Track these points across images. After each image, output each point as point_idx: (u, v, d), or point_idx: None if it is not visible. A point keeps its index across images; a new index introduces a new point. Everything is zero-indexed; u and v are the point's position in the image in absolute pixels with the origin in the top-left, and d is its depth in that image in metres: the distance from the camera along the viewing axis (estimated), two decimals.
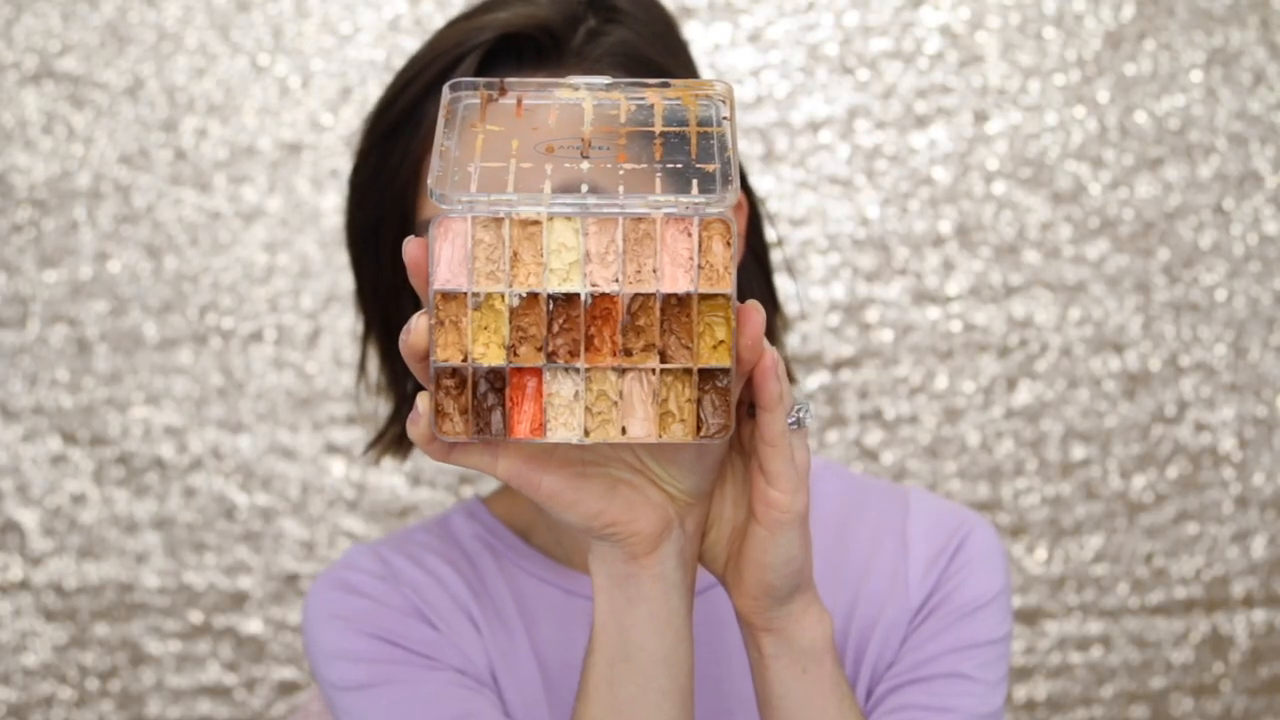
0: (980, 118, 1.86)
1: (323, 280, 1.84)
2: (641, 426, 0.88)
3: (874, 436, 1.86)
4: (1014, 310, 1.86)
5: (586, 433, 0.88)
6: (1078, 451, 1.86)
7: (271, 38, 1.85)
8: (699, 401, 0.88)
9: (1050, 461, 1.86)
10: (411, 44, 1.82)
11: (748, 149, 1.85)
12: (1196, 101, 1.87)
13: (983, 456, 1.86)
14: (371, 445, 1.33)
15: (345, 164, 1.83)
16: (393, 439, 1.32)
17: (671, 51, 1.22)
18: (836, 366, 1.86)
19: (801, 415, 0.95)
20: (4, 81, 1.84)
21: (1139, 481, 1.87)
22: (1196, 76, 1.87)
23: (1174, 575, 1.87)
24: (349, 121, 1.83)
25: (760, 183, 1.85)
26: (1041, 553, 1.86)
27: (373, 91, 1.83)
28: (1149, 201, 1.87)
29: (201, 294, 1.83)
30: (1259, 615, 1.88)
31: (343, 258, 1.81)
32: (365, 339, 1.31)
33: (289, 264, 1.84)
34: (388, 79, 1.81)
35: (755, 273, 1.28)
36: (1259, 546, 1.88)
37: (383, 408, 1.34)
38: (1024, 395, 1.86)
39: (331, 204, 1.83)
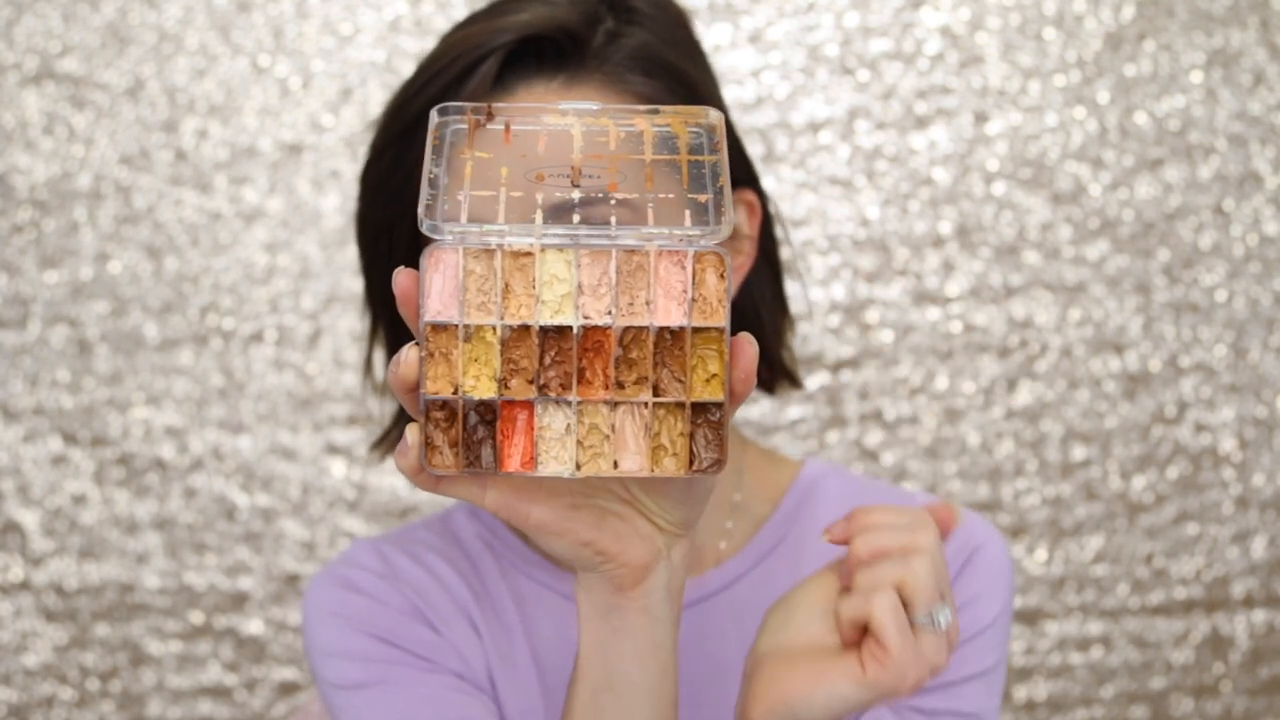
0: (980, 118, 1.86)
1: (323, 281, 1.83)
2: (633, 460, 0.87)
3: (874, 437, 1.86)
4: (1014, 311, 1.85)
5: (578, 466, 0.87)
6: (1078, 452, 1.86)
7: (272, 39, 1.84)
8: (691, 435, 0.87)
9: (1050, 462, 1.86)
10: (412, 45, 1.82)
11: (748, 150, 1.84)
12: (1196, 102, 1.86)
13: (983, 457, 1.86)
14: (376, 445, 1.32)
15: (346, 165, 1.82)
16: (396, 438, 1.31)
17: (689, 54, 1.21)
18: (837, 367, 1.85)
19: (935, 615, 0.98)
20: (5, 82, 1.84)
21: (1139, 482, 1.87)
22: (1196, 77, 1.86)
23: (1174, 576, 1.87)
24: (349, 122, 1.83)
25: None
26: (1041, 553, 1.86)
27: (373, 92, 1.82)
28: (1149, 202, 1.86)
29: (202, 295, 1.83)
30: (1259, 616, 1.88)
31: (343, 258, 1.81)
32: (371, 338, 1.29)
33: (289, 265, 1.84)
34: (389, 80, 1.82)
35: (766, 276, 1.27)
36: (1259, 547, 1.87)
37: (383, 408, 1.34)
38: (1024, 396, 1.86)
39: (332, 205, 1.83)
